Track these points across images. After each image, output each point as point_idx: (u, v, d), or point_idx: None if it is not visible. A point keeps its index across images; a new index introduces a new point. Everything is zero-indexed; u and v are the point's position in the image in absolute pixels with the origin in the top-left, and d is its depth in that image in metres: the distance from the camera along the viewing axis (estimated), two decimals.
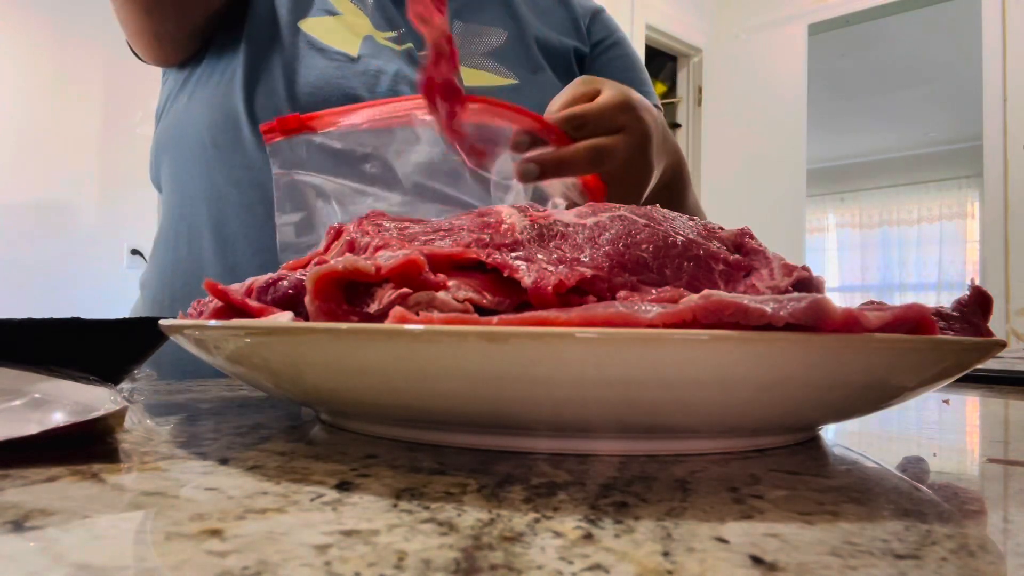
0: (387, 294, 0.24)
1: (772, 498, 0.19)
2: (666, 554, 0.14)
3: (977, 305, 0.27)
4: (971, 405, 0.46)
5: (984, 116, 2.58)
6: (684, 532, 0.16)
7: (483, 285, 0.25)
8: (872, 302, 0.27)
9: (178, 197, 0.65)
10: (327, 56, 0.60)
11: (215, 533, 0.15)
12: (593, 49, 0.73)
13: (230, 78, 0.60)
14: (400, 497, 0.18)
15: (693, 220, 0.30)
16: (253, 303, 0.27)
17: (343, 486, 0.19)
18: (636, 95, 0.49)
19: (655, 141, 0.50)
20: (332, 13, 0.62)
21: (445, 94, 0.41)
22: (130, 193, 2.17)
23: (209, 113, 0.61)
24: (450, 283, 0.24)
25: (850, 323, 0.20)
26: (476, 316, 0.22)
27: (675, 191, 0.60)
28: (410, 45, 0.63)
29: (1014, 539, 0.17)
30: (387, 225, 0.29)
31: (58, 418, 0.23)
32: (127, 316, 0.59)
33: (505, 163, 0.45)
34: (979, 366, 0.26)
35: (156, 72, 0.71)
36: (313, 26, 0.61)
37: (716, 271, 0.27)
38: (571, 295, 0.25)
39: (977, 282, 0.28)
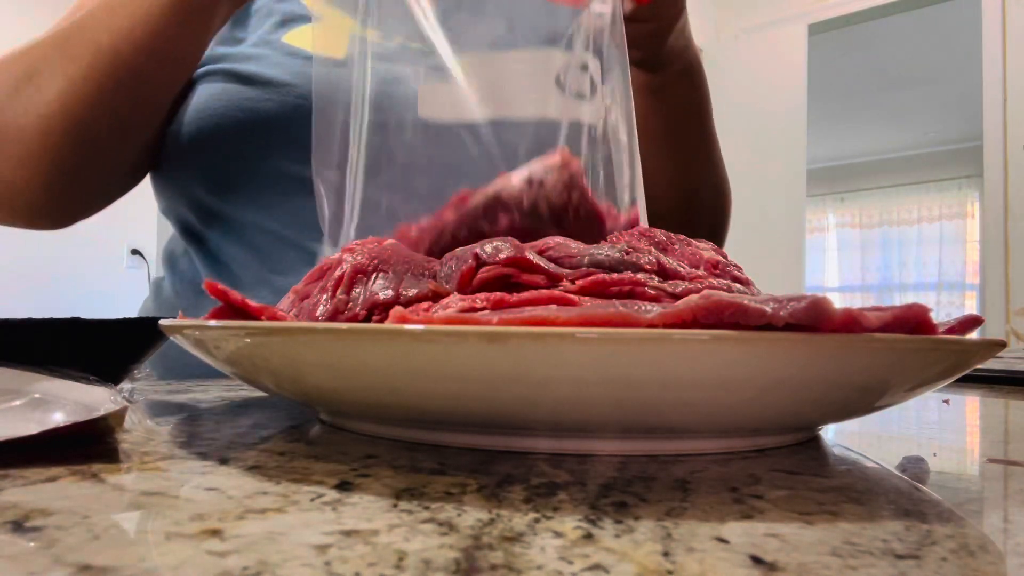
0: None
1: (772, 498, 0.19)
2: (666, 554, 0.14)
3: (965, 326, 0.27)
4: (971, 405, 0.46)
5: (984, 116, 2.58)
6: (684, 532, 0.16)
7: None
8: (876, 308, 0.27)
9: None
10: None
11: (215, 533, 0.15)
12: None
13: None
14: (400, 497, 0.18)
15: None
16: (253, 303, 0.27)
17: (343, 486, 0.19)
18: None
19: (684, 21, 0.61)
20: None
21: None
22: (130, 193, 2.17)
23: None
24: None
25: (850, 323, 0.20)
26: (476, 316, 0.22)
27: (693, 87, 0.68)
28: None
29: (1014, 539, 0.17)
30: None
31: (58, 418, 0.22)
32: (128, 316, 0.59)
33: None
34: (979, 366, 0.26)
35: None
36: (295, 37, 0.59)
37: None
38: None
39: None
